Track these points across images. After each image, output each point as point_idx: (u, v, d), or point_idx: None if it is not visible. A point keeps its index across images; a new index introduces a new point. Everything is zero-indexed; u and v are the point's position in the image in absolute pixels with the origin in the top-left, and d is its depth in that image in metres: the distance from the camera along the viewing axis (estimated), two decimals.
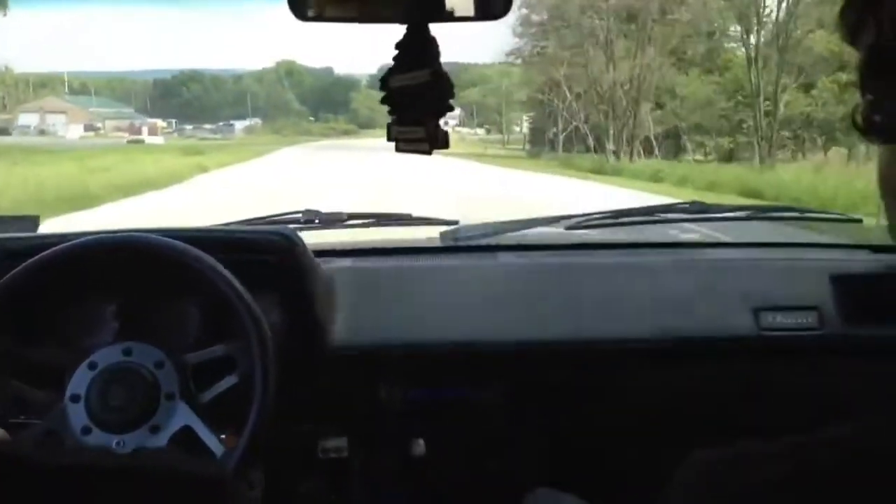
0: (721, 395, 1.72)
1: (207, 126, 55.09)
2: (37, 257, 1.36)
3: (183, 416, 1.34)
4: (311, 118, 70.95)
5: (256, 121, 62.95)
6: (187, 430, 1.33)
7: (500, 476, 1.74)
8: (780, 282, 1.76)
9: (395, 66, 1.02)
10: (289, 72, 74.50)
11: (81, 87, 57.74)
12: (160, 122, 52.10)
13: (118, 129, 47.10)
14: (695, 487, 0.60)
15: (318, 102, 73.43)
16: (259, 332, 1.35)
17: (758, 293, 1.72)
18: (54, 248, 1.37)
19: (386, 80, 1.03)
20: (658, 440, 1.77)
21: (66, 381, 1.35)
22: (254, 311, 1.36)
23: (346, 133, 61.55)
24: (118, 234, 1.43)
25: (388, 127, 1.03)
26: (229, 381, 1.39)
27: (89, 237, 1.41)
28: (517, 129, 63.03)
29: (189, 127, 55.14)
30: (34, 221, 1.70)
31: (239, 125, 57.82)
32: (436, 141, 1.01)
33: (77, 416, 1.32)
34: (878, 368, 1.65)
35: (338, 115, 71.83)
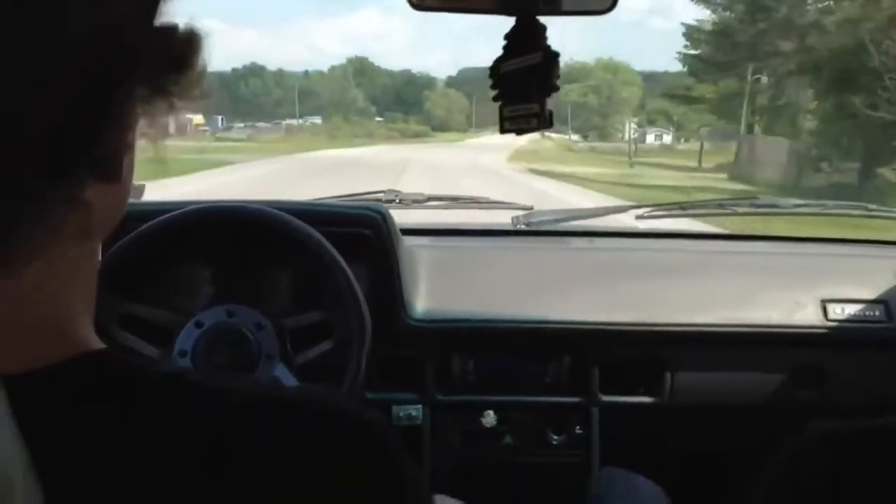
0: (786, 384, 1.76)
1: (261, 124, 52.87)
2: (147, 226, 1.45)
3: (281, 375, 1.44)
4: (379, 118, 66.90)
5: (313, 119, 59.41)
6: None
7: (566, 448, 1.80)
8: (848, 275, 1.81)
9: (504, 55, 1.09)
10: (360, 69, 72.04)
11: None
12: (196, 119, 46.94)
13: None
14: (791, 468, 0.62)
15: (389, 101, 70.35)
16: (356, 301, 1.44)
17: (825, 285, 1.77)
18: (162, 218, 1.47)
19: (496, 67, 1.10)
20: (722, 424, 1.84)
21: (174, 338, 1.46)
22: (352, 282, 1.45)
23: (418, 135, 57.61)
24: (231, 204, 1.53)
25: (500, 109, 1.10)
26: (325, 345, 1.48)
27: (203, 205, 1.51)
28: (620, 135, 60.53)
29: (240, 125, 52.73)
30: (139, 189, 1.81)
31: (289, 123, 54.92)
32: (544, 119, 1.07)
33: None
34: None
35: (409, 114, 68.14)
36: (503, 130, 1.11)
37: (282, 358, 1.46)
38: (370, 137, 50.40)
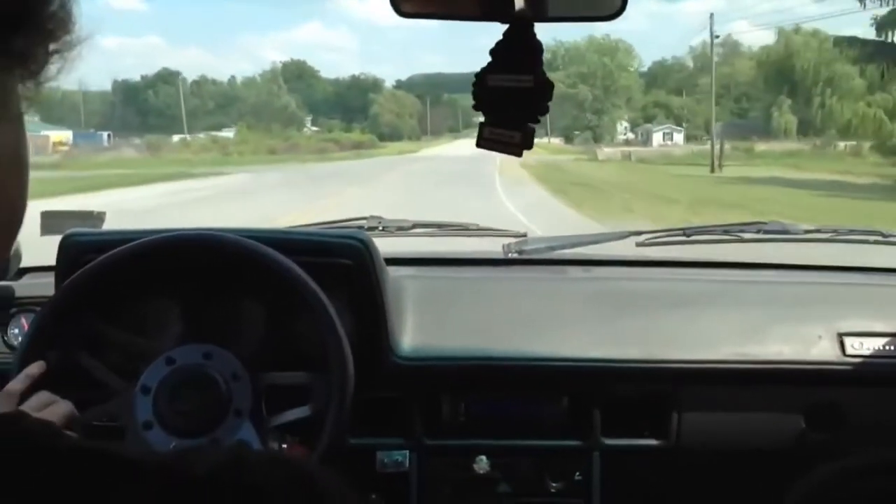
0: (800, 426, 1.65)
1: (135, 140, 44.92)
2: (120, 249, 1.36)
3: (246, 436, 1.31)
4: (314, 126, 57.88)
5: (223, 133, 50.06)
6: None
7: (565, 496, 1.68)
8: (866, 306, 1.70)
9: (494, 65, 0.99)
10: (297, 74, 64.06)
11: None
12: (56, 136, 42.05)
13: None
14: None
15: (330, 108, 61.61)
16: (343, 368, 1.33)
17: (842, 318, 1.66)
18: (136, 243, 1.37)
19: (482, 78, 0.99)
20: (732, 470, 1.71)
21: (137, 369, 1.34)
22: (341, 342, 1.33)
23: (359, 146, 46.33)
24: (203, 233, 1.42)
25: (480, 126, 1.01)
26: (301, 411, 1.36)
27: (175, 233, 1.41)
28: (622, 136, 52.20)
29: (137, 140, 44.72)
30: (100, 217, 1.70)
31: (184, 137, 46.98)
32: (527, 145, 0.99)
33: (143, 408, 1.31)
34: None
35: (354, 122, 58.87)
36: (479, 146, 1.04)
37: (252, 416, 1.32)
38: (291, 151, 43.05)
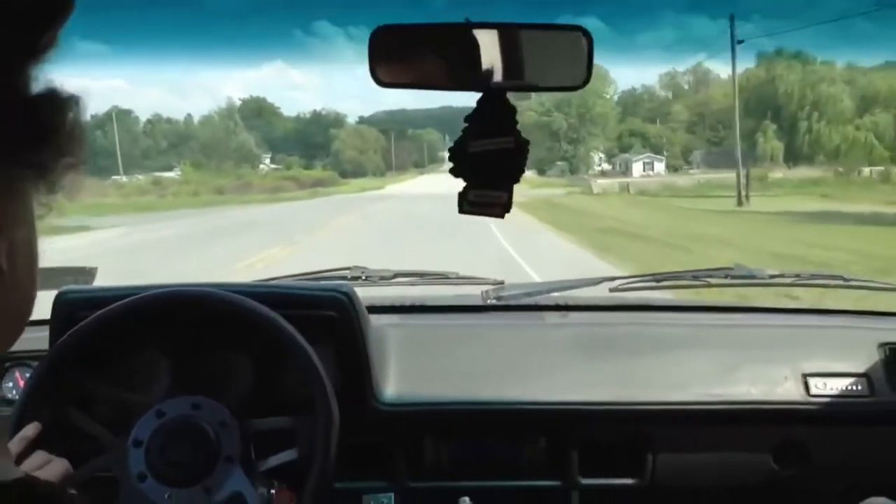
0: (769, 464, 1.70)
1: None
2: (113, 307, 1.40)
3: (237, 482, 1.34)
4: (273, 164, 54.41)
5: (169, 173, 46.44)
6: (239, 497, 1.33)
7: None
8: (829, 348, 1.77)
9: (472, 132, 1.05)
10: (256, 111, 60.35)
11: None
12: None
13: None
14: None
15: (291, 145, 58.62)
16: (328, 412, 1.37)
17: (806, 359, 1.72)
18: (129, 300, 1.41)
19: (462, 145, 1.06)
20: (703, 499, 1.77)
21: (128, 423, 1.37)
22: (326, 388, 1.38)
23: (318, 184, 41.33)
24: (192, 289, 1.47)
25: (464, 191, 1.06)
26: (289, 454, 1.39)
27: (164, 290, 1.45)
28: (598, 167, 48.61)
29: None
30: (92, 272, 1.74)
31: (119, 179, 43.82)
32: (508, 206, 1.05)
33: (136, 461, 1.34)
34: None
35: (316, 158, 55.84)
36: (462, 211, 1.08)
37: (242, 461, 1.36)
38: (242, 191, 38.40)
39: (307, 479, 1.33)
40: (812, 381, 1.69)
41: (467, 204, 1.08)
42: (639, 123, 51.50)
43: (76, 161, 0.53)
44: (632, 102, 56.29)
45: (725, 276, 1.94)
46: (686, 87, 55.06)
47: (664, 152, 47.60)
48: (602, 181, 36.53)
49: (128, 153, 50.38)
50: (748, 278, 1.93)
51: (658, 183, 34.53)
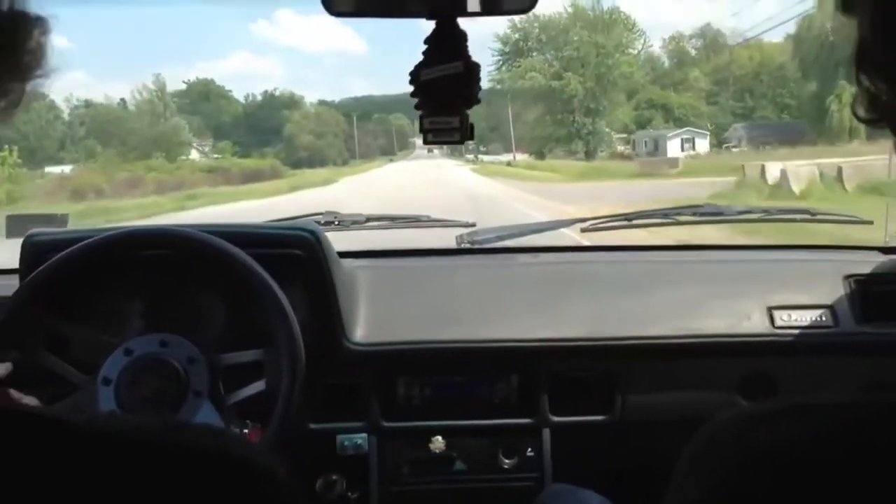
0: (736, 397, 1.73)
1: None
2: (75, 247, 1.40)
3: (207, 415, 1.37)
4: (206, 152, 46.12)
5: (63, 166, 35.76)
6: None
7: (518, 471, 1.75)
8: (794, 281, 1.79)
9: (425, 60, 1.06)
10: (203, 94, 52.91)
11: None
12: None
13: None
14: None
15: (240, 131, 50.44)
16: (291, 343, 1.39)
17: (772, 293, 1.75)
18: (90, 240, 1.41)
19: (416, 74, 1.07)
20: (672, 433, 1.80)
21: (100, 364, 1.39)
22: (290, 321, 1.39)
23: (256, 178, 30.05)
24: (155, 227, 1.48)
25: (420, 119, 1.07)
26: (257, 386, 1.42)
27: (128, 229, 1.46)
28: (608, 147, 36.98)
29: None
30: (64, 219, 1.74)
31: None
32: (466, 131, 1.06)
33: (106, 399, 1.36)
34: (892, 366, 1.67)
35: (268, 146, 47.88)
36: (426, 142, 1.10)
37: (210, 396, 1.39)
38: (123, 193, 25.14)
39: (274, 410, 1.35)
40: (777, 314, 1.71)
41: (427, 134, 1.10)
42: (659, 92, 41.28)
43: (35, 81, 0.53)
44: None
45: (694, 214, 1.95)
46: (693, 52, 44.79)
47: (706, 126, 36.86)
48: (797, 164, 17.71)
49: (44, 144, 41.75)
50: (717, 215, 1.95)
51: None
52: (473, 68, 1.03)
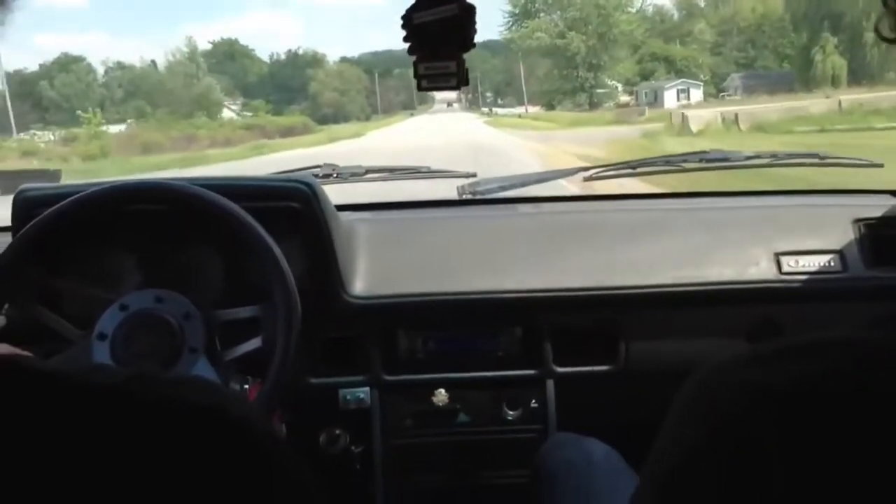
0: (745, 340, 1.71)
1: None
2: (65, 202, 1.37)
3: (203, 371, 1.35)
4: (242, 112, 47.42)
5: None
6: None
7: (522, 422, 1.75)
8: (801, 227, 1.75)
9: (417, 3, 1.02)
10: (229, 54, 54.35)
11: None
12: None
13: None
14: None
15: (267, 89, 52.28)
16: (287, 298, 1.36)
17: (779, 238, 1.71)
18: (82, 194, 1.38)
19: (408, 17, 1.03)
20: (677, 382, 1.78)
21: (95, 319, 1.37)
22: (285, 275, 1.36)
23: (289, 133, 35.31)
24: (148, 181, 1.44)
25: (414, 65, 1.04)
26: (253, 343, 1.40)
27: (121, 182, 1.42)
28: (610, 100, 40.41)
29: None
30: (56, 174, 1.71)
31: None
32: (463, 76, 1.03)
33: (101, 354, 1.34)
34: None
35: (293, 103, 49.38)
36: (420, 89, 1.09)
37: (206, 352, 1.37)
38: (183, 148, 28.59)
39: (270, 364, 1.34)
40: (785, 260, 1.68)
41: (422, 80, 1.07)
42: (661, 45, 44.16)
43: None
44: (644, 24, 47.58)
45: (700, 161, 1.91)
46: (703, 4, 47.05)
47: (701, 77, 39.83)
48: (701, 112, 24.48)
49: (78, 106, 41.53)
50: (723, 161, 1.90)
51: (780, 111, 22.56)
52: (468, 10, 0.99)
